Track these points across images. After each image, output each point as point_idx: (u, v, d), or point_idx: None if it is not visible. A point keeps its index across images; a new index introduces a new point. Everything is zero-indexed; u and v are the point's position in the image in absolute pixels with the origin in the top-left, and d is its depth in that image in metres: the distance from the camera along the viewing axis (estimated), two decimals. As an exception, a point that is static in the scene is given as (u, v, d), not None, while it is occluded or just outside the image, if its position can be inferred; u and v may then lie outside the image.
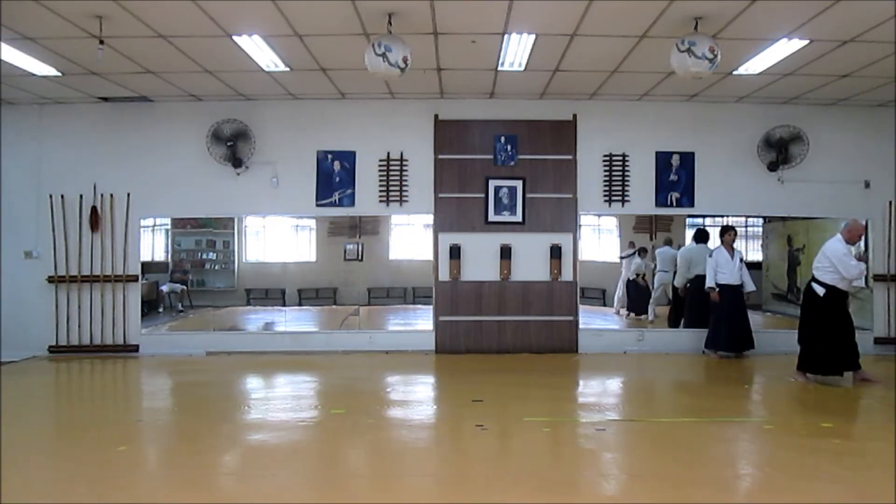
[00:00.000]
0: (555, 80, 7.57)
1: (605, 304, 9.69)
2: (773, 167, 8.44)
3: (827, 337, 6.41)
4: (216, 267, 10.14)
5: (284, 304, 9.46)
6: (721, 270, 7.84)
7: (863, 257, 6.89)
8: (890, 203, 8.51)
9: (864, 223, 6.76)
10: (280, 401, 6.05)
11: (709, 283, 7.90)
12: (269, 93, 8.09)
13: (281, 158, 8.44)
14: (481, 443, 4.71)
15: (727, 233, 7.93)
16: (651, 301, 9.43)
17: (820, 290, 6.45)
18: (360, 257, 9.29)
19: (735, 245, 8.03)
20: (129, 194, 8.38)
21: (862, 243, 7.40)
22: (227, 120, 8.31)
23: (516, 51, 6.58)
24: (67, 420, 5.61)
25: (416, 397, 6.33)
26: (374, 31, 5.84)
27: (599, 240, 9.27)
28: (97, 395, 6.95)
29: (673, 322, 9.00)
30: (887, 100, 8.14)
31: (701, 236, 8.66)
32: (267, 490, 3.70)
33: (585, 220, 8.72)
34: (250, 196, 8.45)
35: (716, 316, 7.94)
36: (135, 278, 8.45)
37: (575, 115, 8.44)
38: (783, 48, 6.31)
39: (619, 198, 8.48)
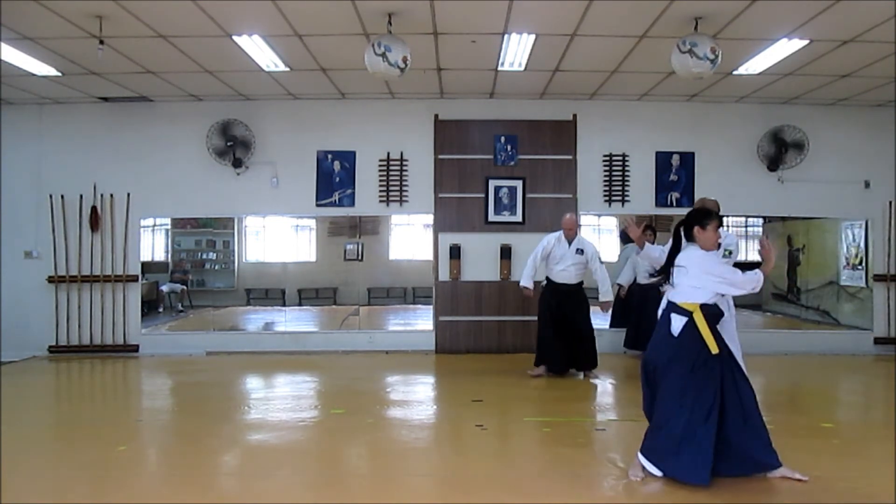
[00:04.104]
0: (555, 80, 7.57)
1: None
2: (773, 167, 8.44)
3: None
4: (216, 267, 10.14)
5: (284, 304, 9.45)
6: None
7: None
8: (890, 203, 8.51)
9: (573, 217, 6.93)
10: (280, 401, 6.05)
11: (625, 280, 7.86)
12: (269, 93, 8.09)
13: (281, 158, 8.44)
14: (481, 443, 4.71)
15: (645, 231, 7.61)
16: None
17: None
18: (360, 257, 9.27)
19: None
20: (129, 194, 8.38)
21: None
22: (226, 120, 8.31)
23: (516, 51, 6.58)
24: (67, 420, 5.61)
25: (416, 397, 6.33)
26: (374, 31, 5.84)
27: (599, 240, 9.25)
28: (97, 395, 6.95)
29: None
30: (887, 100, 8.14)
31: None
32: (267, 490, 3.71)
33: (585, 220, 8.72)
34: (250, 196, 8.46)
35: (636, 316, 7.82)
36: (135, 278, 8.45)
37: (575, 115, 8.43)
38: (783, 48, 6.31)
39: (619, 198, 8.48)
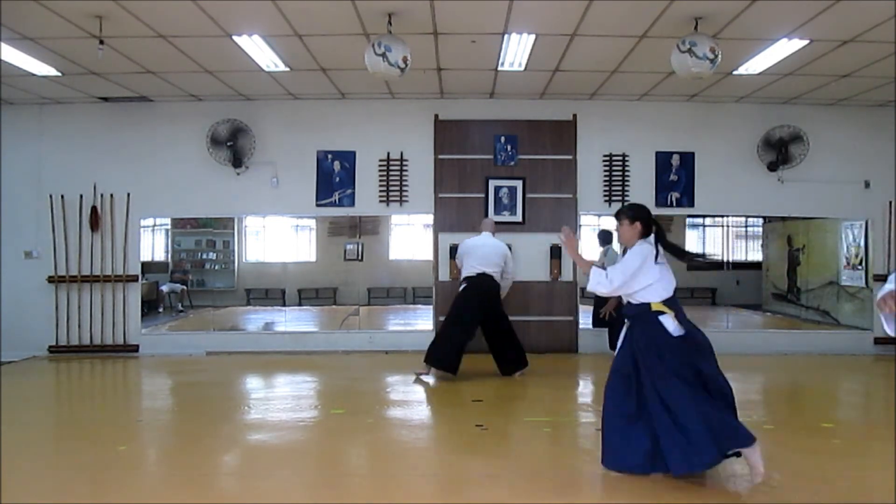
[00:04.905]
0: (555, 80, 7.57)
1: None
2: (773, 167, 8.43)
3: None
4: (216, 267, 10.15)
5: (284, 304, 9.47)
6: None
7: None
8: (890, 203, 8.50)
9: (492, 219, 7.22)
10: (280, 401, 6.05)
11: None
12: (269, 93, 8.09)
13: (281, 158, 8.43)
14: (481, 443, 4.71)
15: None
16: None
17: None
18: (360, 257, 9.30)
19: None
20: (129, 194, 8.38)
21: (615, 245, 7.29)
22: (226, 120, 8.31)
23: (516, 51, 6.58)
24: (67, 420, 5.61)
25: (416, 397, 6.33)
26: (374, 31, 5.84)
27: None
28: (97, 395, 6.94)
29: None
30: (887, 100, 8.14)
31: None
32: (267, 490, 3.70)
33: (585, 220, 8.71)
34: (250, 196, 8.45)
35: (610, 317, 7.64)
36: (135, 278, 8.44)
37: (575, 115, 8.43)
38: (783, 48, 6.31)
39: (619, 198, 8.47)
